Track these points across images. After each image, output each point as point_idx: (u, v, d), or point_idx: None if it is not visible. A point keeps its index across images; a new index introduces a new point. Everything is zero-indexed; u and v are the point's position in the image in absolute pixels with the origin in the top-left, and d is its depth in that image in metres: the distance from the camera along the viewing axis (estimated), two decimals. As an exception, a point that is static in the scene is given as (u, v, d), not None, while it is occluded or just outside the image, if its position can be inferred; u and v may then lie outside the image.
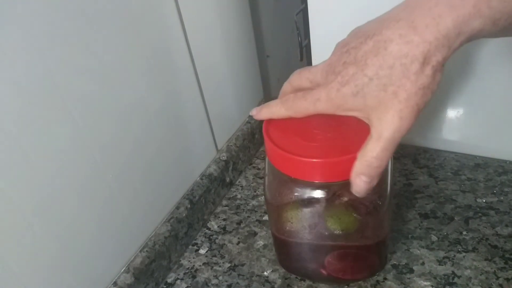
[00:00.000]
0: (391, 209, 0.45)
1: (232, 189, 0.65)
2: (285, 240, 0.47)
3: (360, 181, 0.35)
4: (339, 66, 0.33)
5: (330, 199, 0.40)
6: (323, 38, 0.56)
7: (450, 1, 0.29)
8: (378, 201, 0.41)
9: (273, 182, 0.43)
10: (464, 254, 0.49)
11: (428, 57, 0.30)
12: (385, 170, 0.39)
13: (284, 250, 0.49)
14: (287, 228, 0.45)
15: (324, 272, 0.47)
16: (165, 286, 0.52)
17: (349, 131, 0.38)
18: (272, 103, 0.40)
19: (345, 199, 0.40)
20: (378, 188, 0.40)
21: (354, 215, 0.41)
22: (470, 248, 0.49)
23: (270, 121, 0.40)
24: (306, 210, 0.42)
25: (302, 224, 0.43)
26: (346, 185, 0.38)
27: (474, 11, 0.28)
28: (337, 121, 0.38)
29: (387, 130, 0.32)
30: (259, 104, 0.73)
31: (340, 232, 0.43)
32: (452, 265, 0.48)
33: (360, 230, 0.43)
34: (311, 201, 0.40)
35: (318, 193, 0.40)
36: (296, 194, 0.41)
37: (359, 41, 0.33)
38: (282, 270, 0.51)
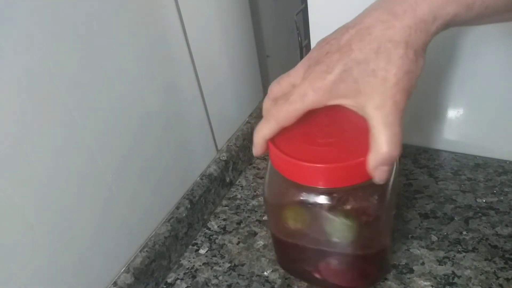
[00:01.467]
0: (391, 221, 0.44)
1: (232, 189, 0.65)
2: (282, 239, 0.46)
3: (382, 172, 0.34)
4: (322, 57, 0.33)
5: (333, 206, 0.39)
6: (323, 38, 0.56)
7: None
8: (381, 211, 0.40)
9: (273, 184, 0.43)
10: (464, 254, 0.49)
11: (410, 41, 0.30)
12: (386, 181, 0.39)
13: (282, 249, 0.49)
14: (286, 228, 0.44)
15: (318, 276, 0.47)
16: (165, 286, 0.52)
17: (353, 134, 0.37)
18: (258, 126, 0.38)
19: (348, 207, 0.39)
20: (383, 197, 0.39)
21: (353, 223, 0.41)
22: (470, 248, 0.49)
23: None
24: (307, 214, 0.42)
25: (301, 227, 0.43)
26: (350, 190, 0.37)
27: None
28: (340, 124, 0.37)
29: (387, 115, 0.32)
30: (259, 104, 0.73)
31: (338, 239, 0.42)
32: (452, 265, 0.48)
33: (358, 239, 0.42)
34: (313, 206, 0.40)
35: (322, 199, 0.39)
36: (299, 198, 0.40)
37: (340, 32, 0.33)
38: (282, 270, 0.51)
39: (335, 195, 0.39)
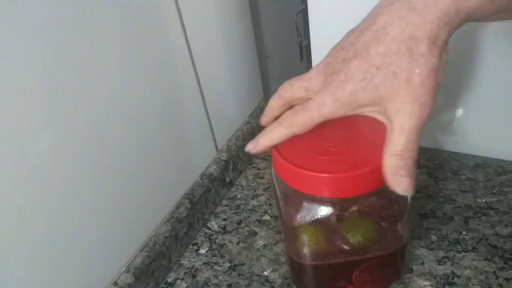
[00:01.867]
0: (412, 213, 0.44)
1: (232, 189, 0.65)
2: (308, 264, 0.44)
3: (401, 179, 0.32)
4: (338, 64, 0.31)
5: (345, 213, 0.38)
6: (323, 38, 0.56)
7: None
8: (396, 206, 0.39)
9: (286, 205, 0.40)
10: (463, 254, 0.49)
11: (433, 37, 0.29)
12: None
13: (307, 275, 0.45)
14: (308, 250, 0.42)
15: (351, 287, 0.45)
16: (165, 286, 0.52)
17: (362, 143, 0.36)
18: (268, 128, 0.36)
19: (360, 209, 0.38)
20: (393, 193, 0.39)
21: (375, 224, 0.40)
22: (469, 248, 0.49)
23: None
24: (326, 229, 0.40)
25: (324, 244, 0.41)
26: (355, 199, 0.37)
27: None
28: (349, 132, 0.36)
29: (410, 120, 0.30)
30: (259, 104, 0.73)
31: (364, 244, 0.41)
32: (452, 265, 0.48)
33: (383, 238, 0.41)
34: (328, 219, 0.38)
35: (333, 209, 0.38)
36: (310, 212, 0.39)
37: (355, 35, 0.31)
38: (282, 270, 0.51)
39: (342, 204, 0.38)
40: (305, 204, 0.38)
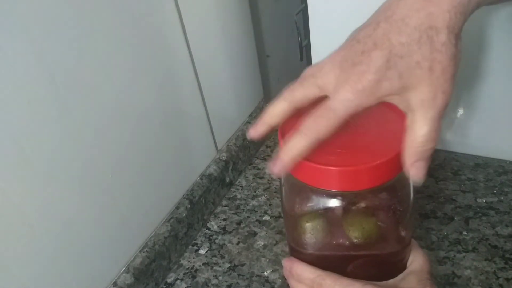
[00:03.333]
0: (414, 214, 0.43)
1: (232, 189, 0.65)
2: (304, 252, 0.43)
3: (419, 168, 0.32)
4: (358, 56, 0.31)
5: (347, 208, 0.38)
6: (323, 38, 0.56)
7: None
8: (398, 206, 0.39)
9: (289, 192, 0.40)
10: (464, 254, 0.49)
11: (451, 26, 0.30)
12: (406, 177, 0.38)
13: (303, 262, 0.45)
14: (306, 239, 0.42)
15: None
16: (165, 286, 0.52)
17: (375, 136, 0.35)
18: (288, 144, 0.33)
19: (363, 205, 0.38)
20: (396, 192, 0.38)
21: (376, 222, 0.40)
22: (470, 248, 0.49)
23: (285, 125, 0.36)
24: (326, 221, 0.40)
25: (322, 235, 0.41)
26: (363, 193, 0.37)
27: None
28: (357, 125, 0.36)
29: (433, 109, 0.31)
30: (259, 104, 0.73)
31: (362, 241, 0.40)
32: (452, 265, 0.48)
33: (382, 237, 0.41)
34: (330, 211, 0.38)
35: (335, 202, 0.37)
36: (312, 203, 0.39)
37: (370, 27, 0.31)
38: (282, 270, 0.51)
39: (349, 197, 0.37)
40: (307, 194, 0.38)
